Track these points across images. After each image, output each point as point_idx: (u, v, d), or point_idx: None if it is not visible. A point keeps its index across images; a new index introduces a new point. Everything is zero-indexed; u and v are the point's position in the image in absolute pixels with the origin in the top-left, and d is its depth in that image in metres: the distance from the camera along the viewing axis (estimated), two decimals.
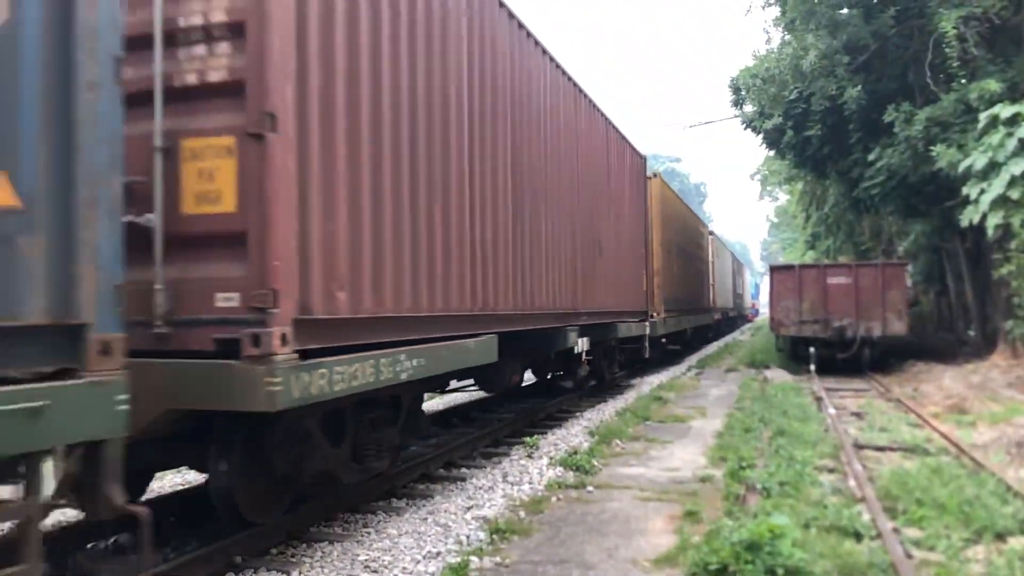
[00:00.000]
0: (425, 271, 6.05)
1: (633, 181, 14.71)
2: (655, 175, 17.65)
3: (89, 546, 5.34)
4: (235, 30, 4.36)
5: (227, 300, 4.30)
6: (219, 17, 4.39)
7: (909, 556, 4.99)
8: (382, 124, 5.48)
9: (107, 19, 3.35)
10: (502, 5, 8.02)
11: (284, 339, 4.21)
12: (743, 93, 20.54)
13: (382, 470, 6.42)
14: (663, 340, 18.18)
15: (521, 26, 8.59)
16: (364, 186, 5.22)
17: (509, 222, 8.10)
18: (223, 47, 4.41)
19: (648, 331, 15.23)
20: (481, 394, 11.69)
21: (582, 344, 11.01)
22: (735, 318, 41.28)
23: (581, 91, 11.11)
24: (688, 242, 22.61)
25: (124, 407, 3.32)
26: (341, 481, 5.88)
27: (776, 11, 18.63)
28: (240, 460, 5.04)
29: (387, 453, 6.33)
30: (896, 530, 5.52)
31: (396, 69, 5.68)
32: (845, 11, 17.15)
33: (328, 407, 5.19)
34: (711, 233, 29.74)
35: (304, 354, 4.40)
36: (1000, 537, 5.36)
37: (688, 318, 21.43)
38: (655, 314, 16.43)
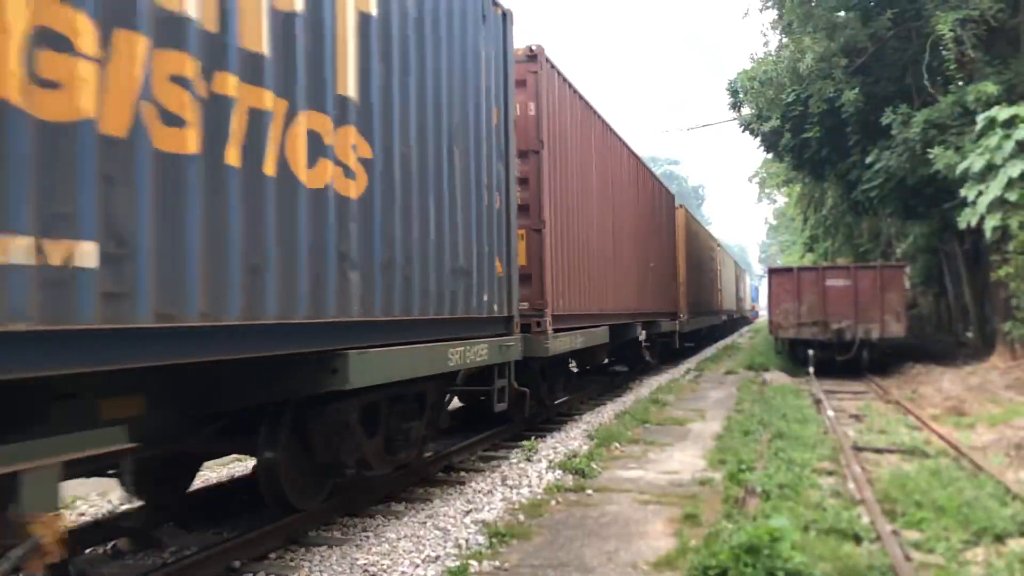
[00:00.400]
0: (589, 289, 11.50)
1: (667, 212, 19.55)
2: (680, 206, 21.81)
3: (88, 551, 5.34)
4: (523, 181, 9.33)
5: (522, 305, 8.64)
6: (520, 174, 9.08)
7: (908, 558, 4.98)
8: (582, 217, 11.35)
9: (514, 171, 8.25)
10: (612, 132, 13.66)
11: (549, 323, 9.27)
12: (741, 96, 20.59)
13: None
14: (684, 335, 21.74)
15: (614, 133, 13.83)
16: (573, 250, 10.80)
17: (610, 254, 13.03)
18: (521, 188, 9.14)
19: (677, 328, 19.37)
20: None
21: (643, 335, 15.33)
22: (738, 319, 45.01)
23: (640, 160, 16.32)
24: (702, 255, 25.96)
25: (519, 350, 7.97)
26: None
27: (774, 14, 18.70)
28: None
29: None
30: (895, 532, 5.52)
31: (587, 189, 11.81)
32: (842, 14, 17.20)
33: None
34: (718, 245, 33.86)
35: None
36: (999, 539, 5.35)
37: (703, 318, 25.16)
38: (681, 315, 20.25)
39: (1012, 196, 12.11)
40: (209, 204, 3.77)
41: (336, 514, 6.15)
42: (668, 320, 18.09)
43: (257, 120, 4.12)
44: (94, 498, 7.02)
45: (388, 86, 5.48)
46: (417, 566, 4.98)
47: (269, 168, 4.20)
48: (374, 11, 5.28)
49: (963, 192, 13.20)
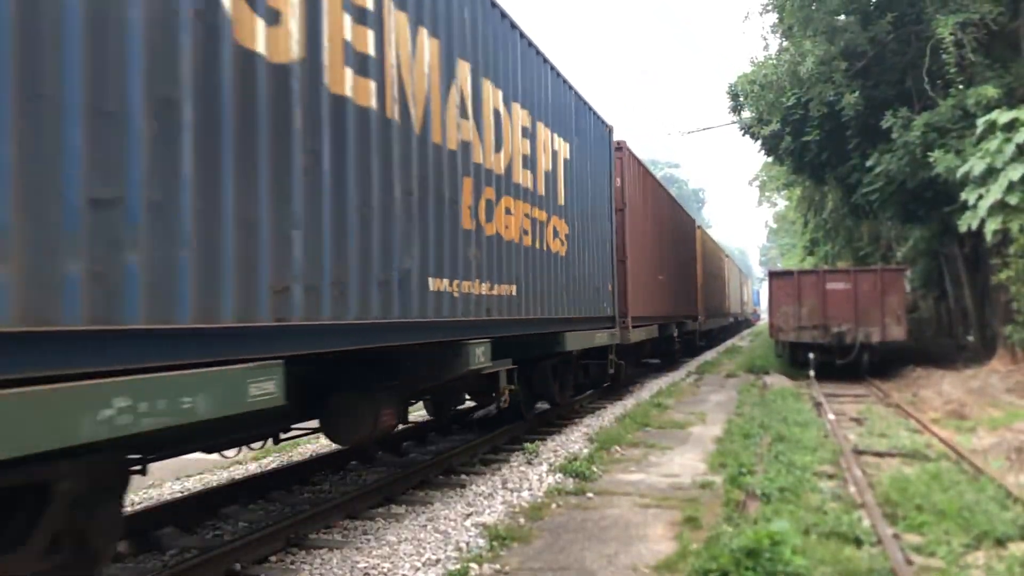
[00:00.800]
0: (648, 299, 15.32)
1: (689, 232, 24.05)
2: (699, 227, 26.41)
3: None
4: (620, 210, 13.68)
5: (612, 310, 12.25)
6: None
7: (909, 562, 4.98)
8: (645, 250, 15.45)
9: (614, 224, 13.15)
10: (659, 183, 18.68)
11: (630, 322, 13.33)
12: (741, 99, 20.58)
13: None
14: (702, 333, 26.43)
15: (660, 183, 18.87)
16: (640, 273, 14.68)
17: (658, 273, 17.07)
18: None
19: (698, 327, 23.98)
20: None
21: (676, 332, 19.47)
22: (742, 321, 51.21)
23: (672, 198, 21.20)
24: (714, 266, 30.85)
25: (618, 337, 12.60)
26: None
27: (774, 17, 18.70)
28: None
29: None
30: (896, 536, 5.51)
31: (647, 231, 16.10)
32: (842, 17, 17.19)
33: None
34: (726, 256, 39.33)
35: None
36: (1000, 543, 5.35)
37: (716, 319, 30.44)
38: (700, 317, 24.25)
39: (1013, 199, 12.10)
40: (536, 265, 8.74)
41: (337, 516, 6.15)
42: (691, 321, 22.63)
43: (539, 224, 8.87)
44: None
45: (572, 194, 10.31)
46: (418, 569, 4.98)
47: (544, 246, 9.04)
48: (572, 157, 10.35)
49: (963, 195, 13.19)
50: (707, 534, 5.45)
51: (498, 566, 5.02)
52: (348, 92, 4.98)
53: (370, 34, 5.24)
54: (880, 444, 9.29)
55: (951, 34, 13.94)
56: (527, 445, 8.96)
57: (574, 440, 9.67)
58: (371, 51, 5.26)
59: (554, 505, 6.60)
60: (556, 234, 9.47)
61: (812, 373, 16.69)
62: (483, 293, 7.06)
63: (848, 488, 7.02)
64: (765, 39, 25.69)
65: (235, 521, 6.28)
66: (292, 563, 5.23)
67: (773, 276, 19.37)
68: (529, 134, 8.59)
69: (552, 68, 9.62)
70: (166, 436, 4.01)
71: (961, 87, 14.84)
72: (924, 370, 16.51)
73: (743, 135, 22.31)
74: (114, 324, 3.26)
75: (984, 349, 17.60)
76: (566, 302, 9.74)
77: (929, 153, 14.41)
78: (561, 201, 9.72)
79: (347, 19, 4.98)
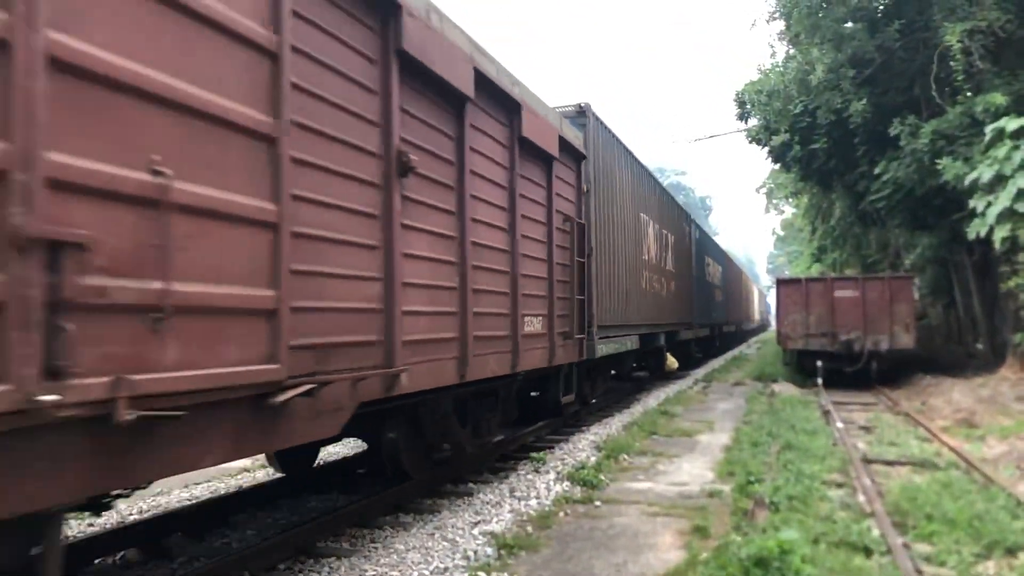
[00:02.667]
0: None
1: (732, 266, 32.33)
2: (727, 257, 35.35)
3: (97, 561, 5.35)
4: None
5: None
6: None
7: (919, 572, 4.96)
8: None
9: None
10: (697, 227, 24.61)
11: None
12: (748, 107, 20.58)
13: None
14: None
15: (695, 221, 24.50)
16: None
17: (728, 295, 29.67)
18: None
19: (733, 329, 35.00)
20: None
21: (713, 333, 27.19)
22: (758, 328, 61.04)
23: (725, 252, 32.55)
24: (739, 284, 41.22)
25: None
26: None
27: (781, 25, 18.71)
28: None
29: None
30: (906, 545, 5.49)
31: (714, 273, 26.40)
32: (850, 25, 17.19)
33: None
34: (749, 276, 52.15)
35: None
36: (1011, 552, 5.32)
37: (741, 324, 41.86)
38: (731, 324, 34.89)
39: (1021, 207, 12.06)
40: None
41: (345, 525, 6.16)
42: (731, 324, 34.85)
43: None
44: None
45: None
46: None
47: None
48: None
49: (972, 203, 13.15)
50: (716, 543, 5.43)
51: (506, 575, 5.02)
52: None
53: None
54: (889, 453, 9.25)
55: (959, 41, 13.92)
56: (534, 454, 8.95)
57: (581, 448, 9.65)
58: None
59: (562, 513, 6.59)
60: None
61: (820, 381, 16.63)
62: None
63: (857, 497, 6.99)
64: (772, 46, 25.68)
65: (243, 529, 6.29)
66: (300, 571, 5.23)
67: (781, 284, 19.35)
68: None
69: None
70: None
71: (969, 94, 14.80)
72: (933, 378, 16.43)
73: (750, 143, 22.30)
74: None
75: (994, 357, 17.51)
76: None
77: (937, 160, 14.37)
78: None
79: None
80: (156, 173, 3.09)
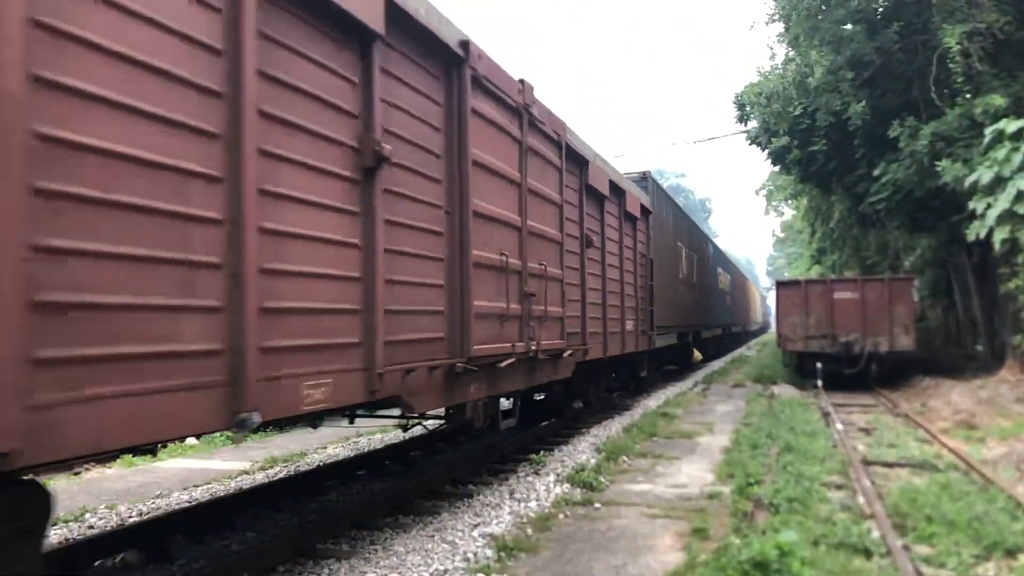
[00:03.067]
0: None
1: (738, 273, 38.03)
2: (734, 267, 39.66)
3: (96, 563, 5.34)
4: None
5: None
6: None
7: (919, 574, 4.96)
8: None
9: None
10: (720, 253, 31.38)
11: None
12: (748, 109, 20.60)
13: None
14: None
15: (712, 240, 30.53)
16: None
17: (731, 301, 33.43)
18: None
19: (739, 329, 39.86)
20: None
21: (724, 332, 31.89)
22: (759, 330, 65.18)
23: (730, 261, 38.11)
24: (744, 290, 45.94)
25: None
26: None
27: (780, 27, 18.72)
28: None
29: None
30: (906, 547, 5.49)
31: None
32: (849, 27, 17.20)
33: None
34: (753, 283, 58.53)
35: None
36: (1011, 554, 5.32)
37: (746, 325, 47.22)
38: (737, 325, 39.26)
39: (1021, 208, 12.07)
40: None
41: (344, 526, 6.15)
42: (738, 325, 39.99)
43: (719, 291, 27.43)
44: (103, 511, 7.04)
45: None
46: None
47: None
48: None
49: (971, 204, 13.16)
50: (715, 545, 5.43)
51: None
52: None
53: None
54: (889, 454, 9.25)
55: (958, 43, 13.93)
56: (534, 455, 8.95)
57: (581, 450, 9.65)
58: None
59: (561, 515, 6.59)
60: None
61: (820, 383, 16.63)
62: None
63: (857, 499, 6.99)
64: (771, 48, 25.68)
65: (243, 531, 6.29)
66: (300, 573, 5.23)
67: (780, 286, 19.36)
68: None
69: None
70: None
71: (968, 96, 14.82)
72: (933, 380, 16.43)
73: (750, 145, 22.32)
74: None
75: (993, 359, 17.52)
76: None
77: (936, 162, 14.39)
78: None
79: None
80: (503, 255, 6.84)
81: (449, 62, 6.07)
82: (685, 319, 19.92)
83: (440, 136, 5.91)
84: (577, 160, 9.63)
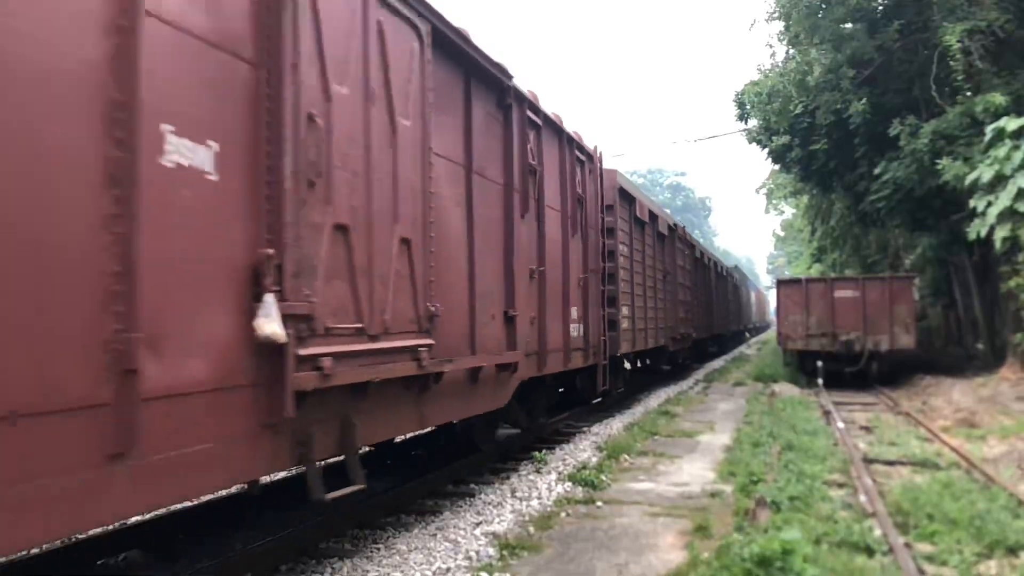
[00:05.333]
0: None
1: (745, 282, 46.40)
2: (749, 280, 50.49)
3: (100, 562, 5.35)
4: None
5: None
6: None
7: (921, 572, 4.97)
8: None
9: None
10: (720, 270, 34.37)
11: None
12: (748, 108, 20.60)
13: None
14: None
15: (740, 269, 49.03)
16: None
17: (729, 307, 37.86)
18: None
19: (753, 326, 54.91)
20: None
21: (743, 329, 45.95)
22: (764, 327, 70.47)
23: (748, 278, 54.31)
24: (749, 294, 51.97)
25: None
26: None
27: (780, 25, 18.72)
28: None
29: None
30: (908, 545, 5.50)
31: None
32: (849, 25, 17.21)
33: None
34: (762, 291, 70.93)
35: None
36: (1012, 552, 5.33)
37: (758, 324, 61.33)
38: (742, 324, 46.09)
39: (1022, 207, 12.08)
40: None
41: (347, 526, 6.16)
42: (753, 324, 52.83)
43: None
44: None
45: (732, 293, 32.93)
46: None
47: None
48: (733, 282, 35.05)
49: (972, 203, 13.17)
50: (718, 543, 5.43)
51: (508, 575, 5.02)
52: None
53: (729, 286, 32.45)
54: (890, 453, 9.26)
55: (958, 41, 13.94)
56: (536, 454, 8.95)
57: (583, 449, 9.66)
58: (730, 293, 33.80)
59: (563, 514, 6.59)
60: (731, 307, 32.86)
61: (821, 381, 16.64)
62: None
63: (858, 497, 7.00)
64: (771, 47, 25.69)
65: (247, 530, 6.29)
66: (303, 572, 5.24)
67: (781, 284, 19.37)
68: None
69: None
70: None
71: (969, 94, 14.82)
72: (933, 378, 16.44)
73: (750, 143, 22.33)
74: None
75: (994, 357, 17.52)
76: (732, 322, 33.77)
77: (937, 161, 14.39)
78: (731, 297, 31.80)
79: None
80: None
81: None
82: (723, 323, 31.32)
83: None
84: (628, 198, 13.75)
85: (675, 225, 18.84)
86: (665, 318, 16.49)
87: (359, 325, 4.74)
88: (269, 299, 3.82)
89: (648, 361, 17.67)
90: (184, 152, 3.47)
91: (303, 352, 4.11)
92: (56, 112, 2.89)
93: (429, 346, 5.49)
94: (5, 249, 2.70)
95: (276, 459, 4.21)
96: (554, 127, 9.04)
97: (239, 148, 3.83)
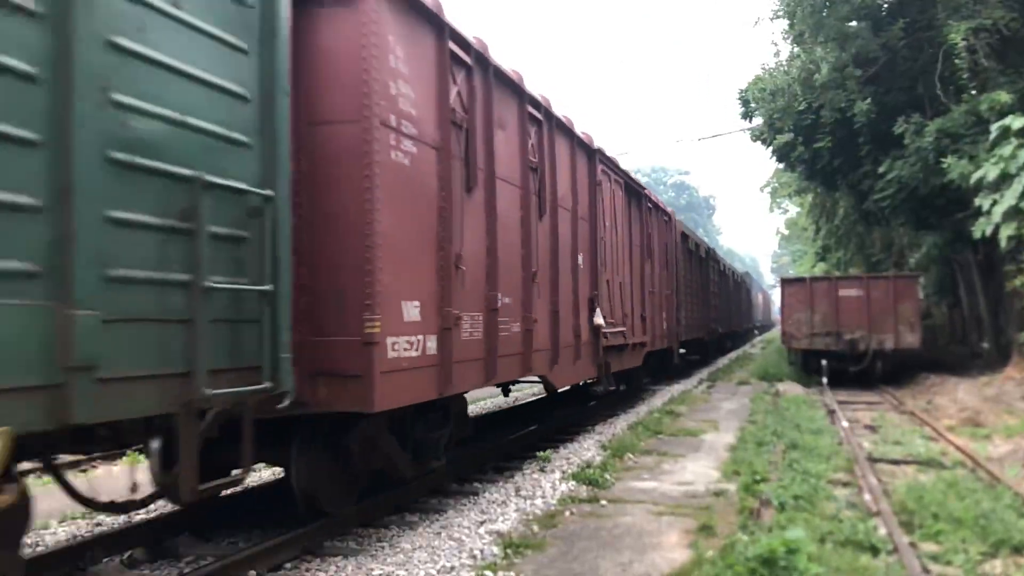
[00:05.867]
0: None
1: (754, 286, 51.27)
2: (746, 274, 48.53)
3: (104, 560, 5.36)
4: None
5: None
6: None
7: (926, 571, 4.96)
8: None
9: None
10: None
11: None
12: (752, 106, 20.56)
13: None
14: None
15: (751, 275, 54.55)
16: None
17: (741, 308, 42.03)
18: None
19: (760, 325, 58.96)
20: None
21: (753, 327, 50.49)
22: (768, 325, 72.31)
23: (757, 282, 64.82)
24: (757, 296, 56.02)
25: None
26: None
27: (785, 23, 18.68)
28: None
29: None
30: (913, 544, 5.49)
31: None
32: (854, 23, 17.17)
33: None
34: (767, 292, 74.91)
35: None
36: (1017, 551, 5.32)
37: (764, 323, 64.48)
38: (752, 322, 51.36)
39: None
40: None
41: (351, 524, 6.16)
42: (760, 323, 57.64)
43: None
44: None
45: (745, 296, 40.17)
46: None
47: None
48: (746, 286, 41.52)
49: (977, 201, 13.12)
50: (722, 542, 5.43)
51: (512, 574, 5.02)
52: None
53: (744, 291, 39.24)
54: (895, 452, 9.25)
55: (963, 40, 13.89)
56: (540, 453, 8.95)
57: (587, 448, 9.65)
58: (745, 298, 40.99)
59: (567, 513, 6.59)
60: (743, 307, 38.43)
61: (825, 380, 16.61)
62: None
63: (863, 496, 6.99)
64: (776, 45, 25.63)
65: (250, 529, 6.30)
66: (307, 570, 5.24)
67: (785, 283, 19.33)
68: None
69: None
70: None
71: (974, 93, 14.78)
72: (938, 377, 16.41)
73: (754, 141, 22.28)
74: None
75: (999, 356, 17.47)
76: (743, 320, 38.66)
77: (942, 159, 14.35)
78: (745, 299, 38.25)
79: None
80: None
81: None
82: (737, 322, 35.57)
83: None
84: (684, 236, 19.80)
85: (710, 249, 25.78)
86: (701, 317, 22.15)
87: (612, 319, 11.39)
88: (597, 310, 10.41)
89: (683, 350, 21.34)
90: (580, 261, 9.98)
91: (604, 331, 10.60)
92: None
93: (624, 332, 12.11)
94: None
95: (597, 371, 10.70)
96: (666, 214, 16.57)
97: (588, 256, 10.33)
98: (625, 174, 12.91)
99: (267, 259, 4.25)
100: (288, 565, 5.30)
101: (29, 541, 5.96)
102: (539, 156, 8.38)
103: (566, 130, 9.59)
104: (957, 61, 14.07)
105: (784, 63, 19.03)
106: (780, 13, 18.42)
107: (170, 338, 3.66)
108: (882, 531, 5.76)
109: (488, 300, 6.98)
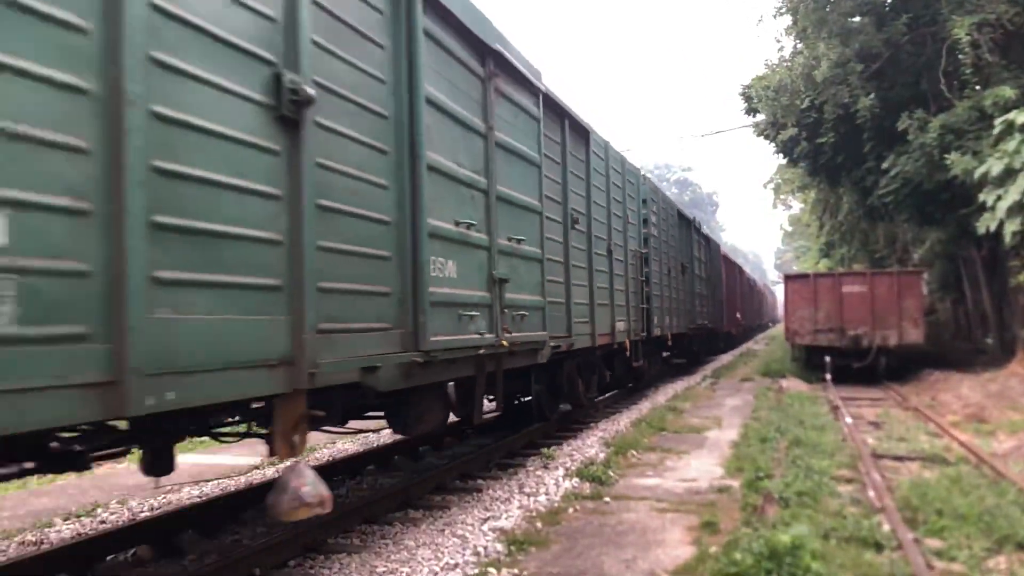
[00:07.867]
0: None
1: (760, 280, 62.15)
2: (766, 285, 70.25)
3: (109, 558, 5.38)
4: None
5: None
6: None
7: (930, 567, 4.95)
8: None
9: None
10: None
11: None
12: (755, 102, 20.52)
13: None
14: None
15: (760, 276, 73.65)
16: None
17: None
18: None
19: (766, 322, 63.41)
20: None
21: (760, 323, 54.01)
22: (775, 321, 73.57)
23: (770, 287, 77.98)
24: (761, 295, 56.10)
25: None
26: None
27: (788, 20, 18.64)
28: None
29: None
30: (917, 540, 5.47)
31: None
32: (857, 19, 17.12)
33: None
34: (772, 292, 76.76)
35: None
36: (1022, 547, 5.30)
37: (769, 321, 67.79)
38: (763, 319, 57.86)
39: None
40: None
41: (354, 521, 6.18)
42: (765, 320, 61.92)
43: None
44: (114, 505, 7.08)
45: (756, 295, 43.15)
46: (436, 573, 4.99)
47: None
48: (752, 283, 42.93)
49: (981, 197, 13.09)
50: (726, 539, 5.43)
51: (516, 571, 5.02)
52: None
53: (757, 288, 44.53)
54: (899, 448, 9.23)
55: (967, 35, 13.85)
56: (543, 450, 8.95)
57: (590, 445, 9.66)
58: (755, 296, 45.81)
59: (571, 510, 6.60)
60: (754, 306, 42.16)
61: (828, 377, 16.60)
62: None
63: (867, 492, 6.97)
64: (779, 41, 25.56)
65: (254, 526, 6.32)
66: (311, 568, 5.25)
67: (789, 279, 19.30)
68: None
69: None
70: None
71: (978, 88, 14.73)
72: (942, 373, 16.38)
73: (757, 136, 22.24)
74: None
75: (1003, 352, 17.44)
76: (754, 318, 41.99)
77: (946, 155, 14.31)
78: (757, 297, 42.21)
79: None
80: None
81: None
82: (749, 319, 38.77)
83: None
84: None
85: (740, 265, 30.42)
86: (727, 315, 27.38)
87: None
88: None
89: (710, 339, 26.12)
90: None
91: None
92: None
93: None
94: None
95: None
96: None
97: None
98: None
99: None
100: (292, 562, 5.31)
101: (33, 539, 5.98)
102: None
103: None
104: (961, 56, 14.03)
105: (787, 59, 18.99)
106: (784, 10, 18.38)
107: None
108: (886, 527, 5.75)
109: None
